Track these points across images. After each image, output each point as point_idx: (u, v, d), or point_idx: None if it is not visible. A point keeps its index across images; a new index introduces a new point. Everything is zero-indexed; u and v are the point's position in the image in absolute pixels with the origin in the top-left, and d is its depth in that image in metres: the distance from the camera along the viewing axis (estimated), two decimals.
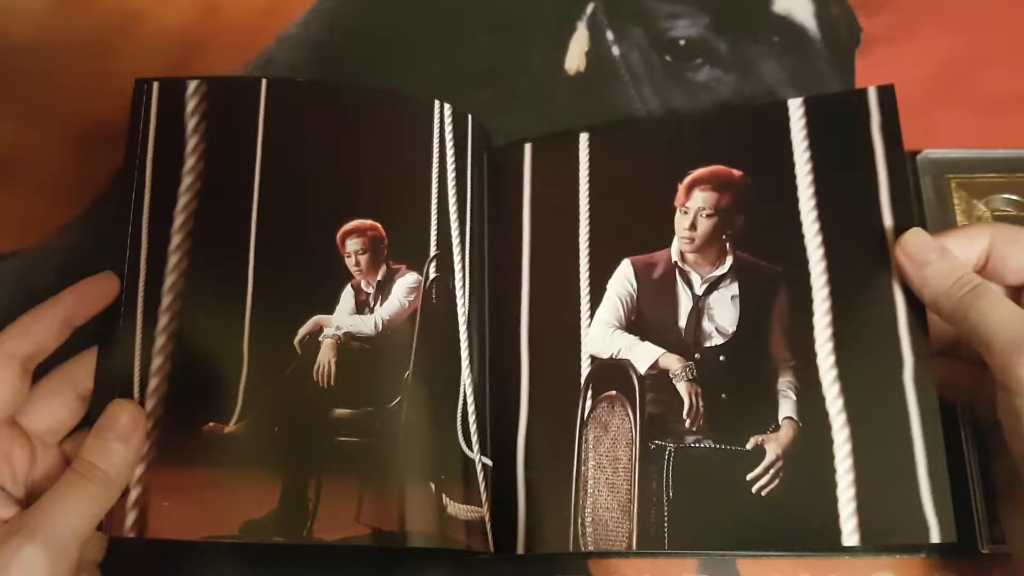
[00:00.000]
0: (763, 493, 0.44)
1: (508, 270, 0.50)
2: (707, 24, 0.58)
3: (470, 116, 0.51)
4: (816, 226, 0.46)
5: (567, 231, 0.50)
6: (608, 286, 0.48)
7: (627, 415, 0.46)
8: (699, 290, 0.47)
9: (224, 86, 0.49)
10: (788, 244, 0.46)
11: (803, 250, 0.46)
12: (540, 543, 0.46)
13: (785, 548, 0.47)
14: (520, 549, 0.46)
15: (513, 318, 0.49)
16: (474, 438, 0.47)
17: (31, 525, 0.39)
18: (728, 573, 0.48)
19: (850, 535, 0.42)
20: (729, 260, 0.47)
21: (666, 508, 0.45)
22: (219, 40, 0.59)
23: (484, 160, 0.52)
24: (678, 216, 0.48)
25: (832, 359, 0.45)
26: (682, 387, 0.46)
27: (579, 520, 0.46)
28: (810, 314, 0.45)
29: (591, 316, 0.48)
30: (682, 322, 0.47)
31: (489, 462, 0.47)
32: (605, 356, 0.48)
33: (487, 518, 0.46)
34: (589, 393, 0.47)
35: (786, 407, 0.45)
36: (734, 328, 0.47)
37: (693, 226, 0.48)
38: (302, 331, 0.46)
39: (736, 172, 0.48)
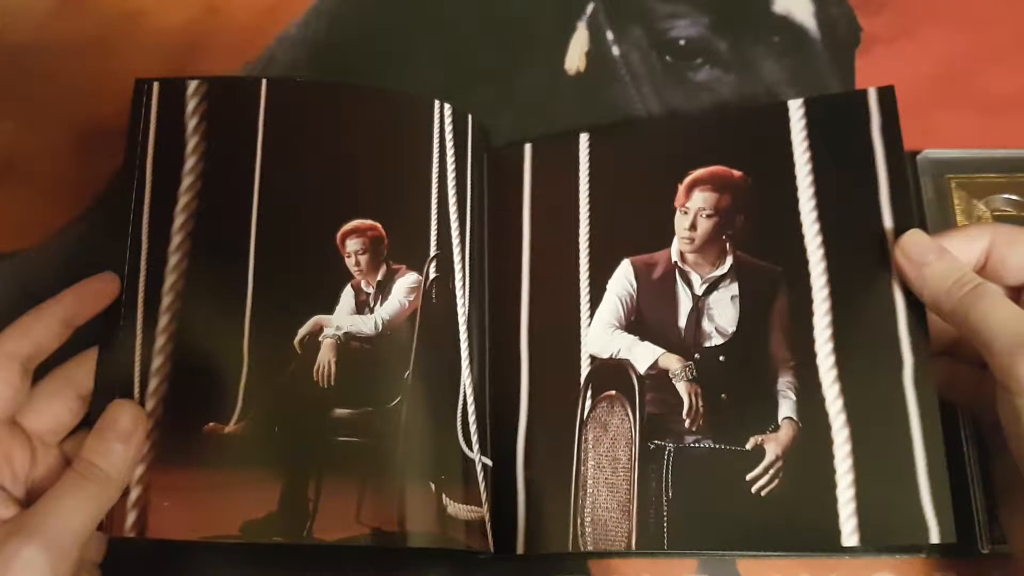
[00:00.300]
0: (763, 493, 0.44)
1: (508, 270, 0.50)
2: (707, 24, 0.58)
3: (470, 116, 0.51)
4: (816, 226, 0.46)
5: (567, 231, 0.50)
6: (608, 286, 0.48)
7: (627, 415, 0.46)
8: (699, 290, 0.47)
9: (224, 86, 0.49)
10: (788, 244, 0.46)
11: (803, 250, 0.46)
12: (540, 543, 0.46)
13: (785, 548, 0.47)
14: (520, 549, 0.46)
15: (513, 318, 0.49)
16: (474, 438, 0.47)
17: (31, 525, 0.39)
18: (728, 573, 0.48)
19: (850, 535, 0.42)
20: (729, 260, 0.47)
21: (665, 508, 0.45)
22: (219, 40, 0.59)
23: (484, 160, 0.52)
24: (678, 216, 0.48)
25: (832, 359, 0.45)
26: (682, 387, 0.46)
27: (579, 520, 0.46)
28: (810, 314, 0.45)
29: (591, 316, 0.48)
30: (682, 322, 0.47)
31: (489, 462, 0.47)
32: (605, 356, 0.48)
33: (487, 518, 0.46)
34: (589, 393, 0.47)
35: (786, 407, 0.45)
36: (734, 328, 0.47)
37: (693, 226, 0.48)
38: (302, 331, 0.46)
39: (736, 172, 0.48)
